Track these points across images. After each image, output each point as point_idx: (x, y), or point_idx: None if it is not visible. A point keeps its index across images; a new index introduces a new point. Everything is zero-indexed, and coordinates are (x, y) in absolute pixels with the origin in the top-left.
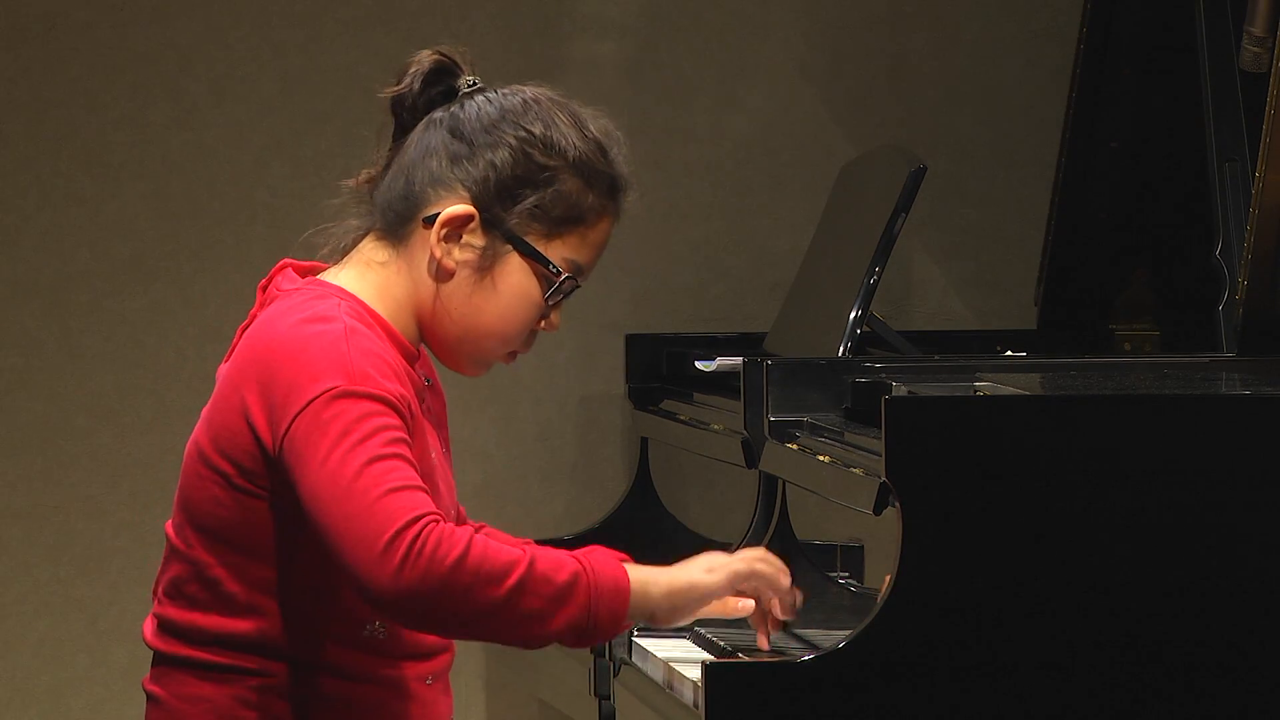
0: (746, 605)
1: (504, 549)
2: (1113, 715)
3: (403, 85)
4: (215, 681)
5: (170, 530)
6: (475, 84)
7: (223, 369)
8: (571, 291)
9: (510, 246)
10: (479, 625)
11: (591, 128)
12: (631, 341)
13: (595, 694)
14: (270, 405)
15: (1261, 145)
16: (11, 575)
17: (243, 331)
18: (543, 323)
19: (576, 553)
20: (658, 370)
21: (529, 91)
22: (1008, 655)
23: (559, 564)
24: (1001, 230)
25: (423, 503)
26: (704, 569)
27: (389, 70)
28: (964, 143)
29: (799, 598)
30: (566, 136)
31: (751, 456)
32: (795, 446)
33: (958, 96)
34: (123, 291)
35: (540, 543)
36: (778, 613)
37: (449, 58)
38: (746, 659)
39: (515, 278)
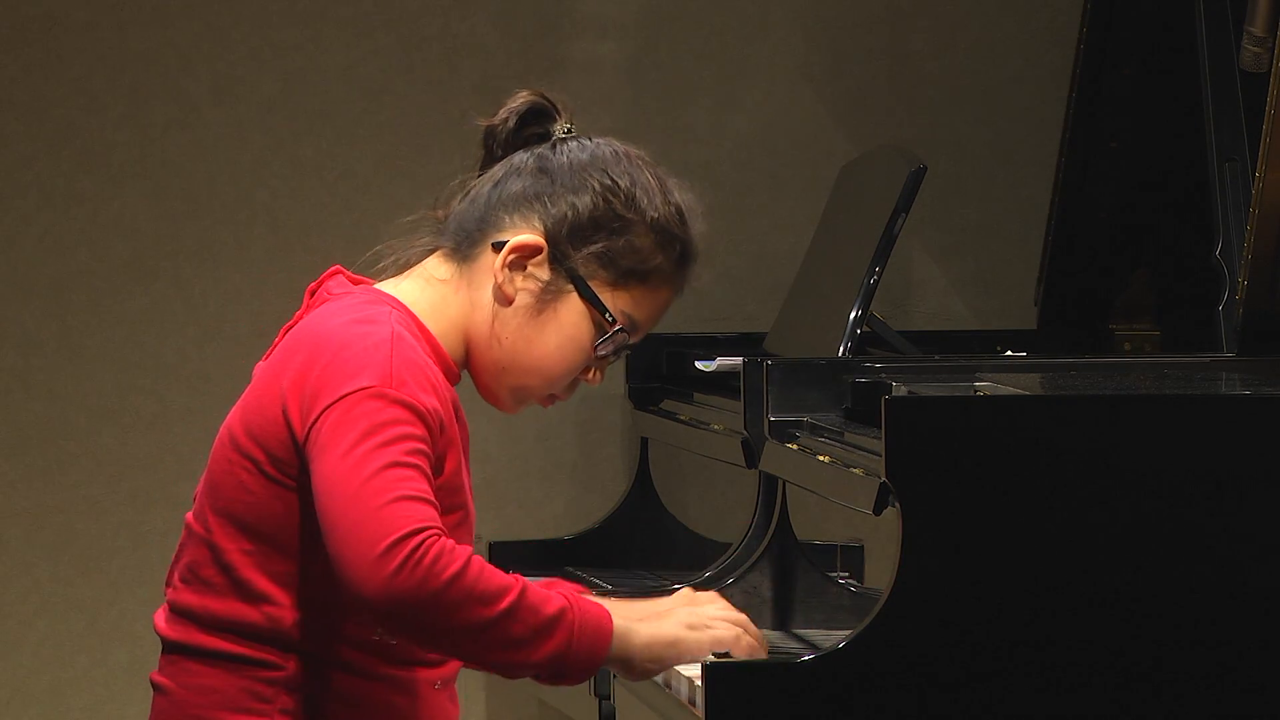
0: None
1: (499, 573)
2: (1113, 716)
3: (497, 119)
4: (225, 671)
5: (190, 518)
6: (570, 131)
7: (260, 366)
8: (621, 349)
9: (572, 287)
10: (462, 643)
11: (675, 194)
12: None
13: (595, 694)
14: (304, 395)
15: (1261, 145)
16: (11, 575)
17: (286, 331)
18: (590, 373)
19: (563, 591)
20: (658, 370)
21: (621, 146)
22: (1007, 655)
23: (547, 597)
24: (1001, 230)
25: (429, 516)
26: (686, 624)
27: (389, 70)
28: (964, 143)
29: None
30: (650, 195)
31: (751, 456)
32: (795, 446)
33: (958, 96)
34: (123, 291)
35: (538, 543)
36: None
37: (548, 101)
38: (746, 658)
39: (571, 319)
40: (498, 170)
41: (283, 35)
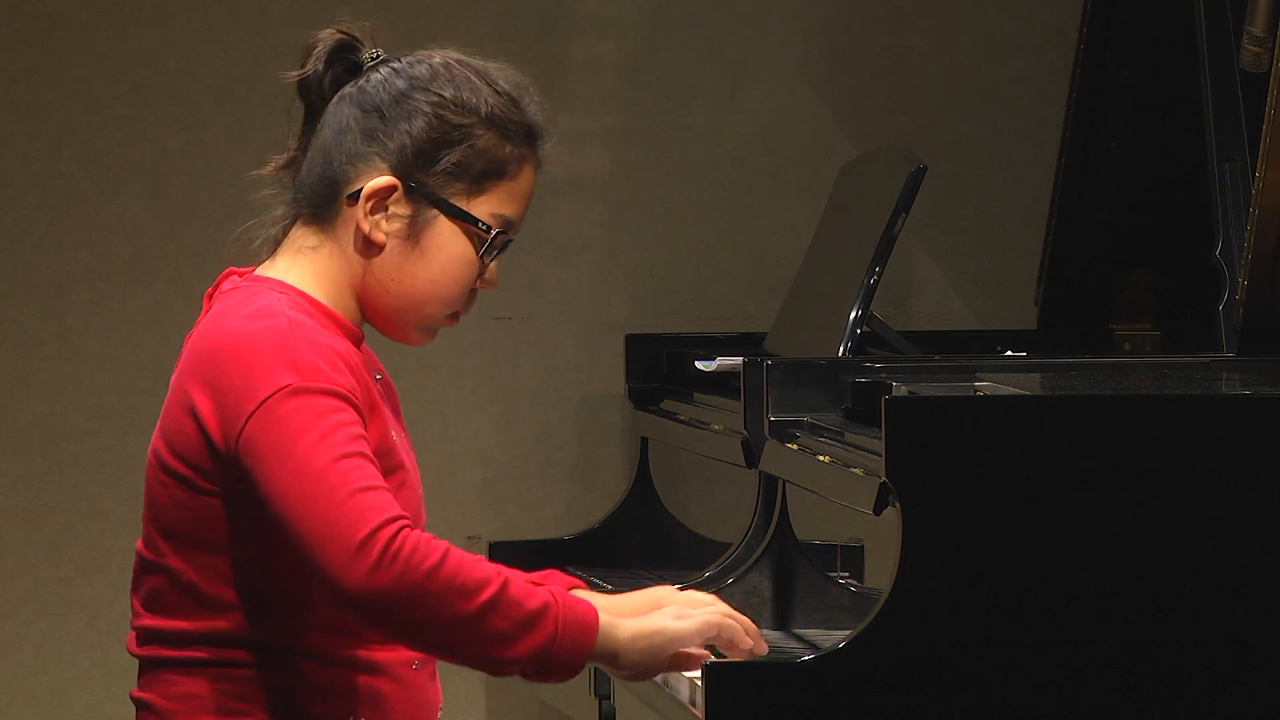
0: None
1: (479, 564)
2: (1112, 715)
3: (307, 68)
4: (203, 677)
5: (140, 546)
6: (379, 56)
7: (174, 378)
8: (505, 246)
9: (436, 210)
10: (444, 637)
11: (501, 82)
12: (631, 341)
13: (595, 694)
14: (221, 405)
15: (1261, 145)
16: (12, 575)
17: (190, 339)
18: (479, 281)
19: (547, 586)
20: (658, 370)
21: (436, 57)
22: (1007, 655)
23: (530, 591)
24: (1001, 230)
25: (391, 503)
26: (673, 615)
27: None
28: (964, 143)
29: (764, 649)
30: (477, 93)
31: (751, 456)
32: (795, 446)
33: (958, 96)
34: (123, 291)
35: (538, 543)
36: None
37: (349, 34)
38: (746, 658)
39: (446, 240)
40: (325, 125)
41: (283, 35)
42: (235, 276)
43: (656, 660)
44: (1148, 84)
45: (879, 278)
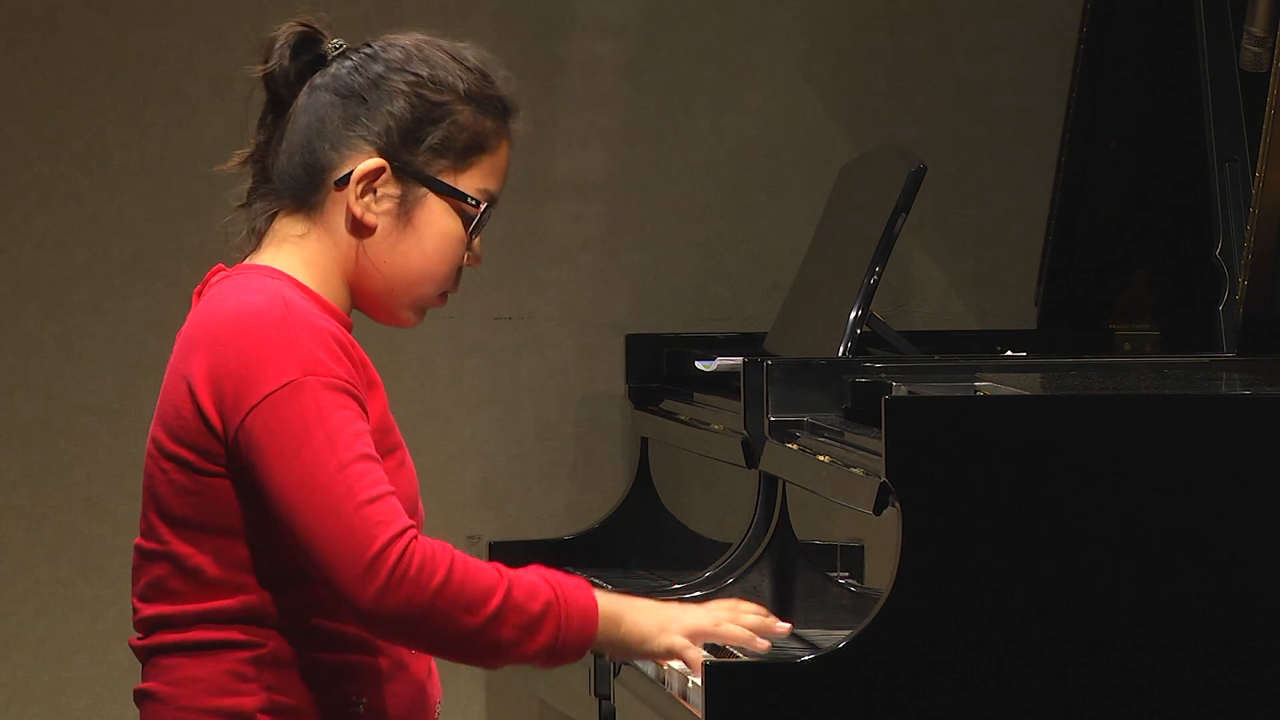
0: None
1: (483, 572)
2: (1112, 715)
3: (272, 62)
4: (206, 658)
5: (139, 541)
6: (341, 46)
7: (169, 370)
8: (487, 221)
9: (425, 188)
10: (452, 647)
11: (470, 58)
12: (631, 341)
13: (595, 694)
14: (220, 392)
15: (1261, 145)
16: (12, 575)
17: (181, 333)
18: (466, 256)
19: (548, 578)
20: (658, 370)
21: (403, 39)
22: (1007, 655)
23: (533, 591)
24: (1001, 230)
25: (400, 514)
26: (658, 627)
27: None
28: (964, 143)
29: (780, 628)
30: (450, 71)
31: (751, 456)
32: (795, 446)
33: (958, 96)
34: (123, 291)
35: (538, 543)
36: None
37: (311, 26)
38: (746, 659)
39: (436, 217)
40: (299, 115)
41: None
42: (223, 272)
43: (634, 658)
44: (1148, 84)
45: (879, 278)
